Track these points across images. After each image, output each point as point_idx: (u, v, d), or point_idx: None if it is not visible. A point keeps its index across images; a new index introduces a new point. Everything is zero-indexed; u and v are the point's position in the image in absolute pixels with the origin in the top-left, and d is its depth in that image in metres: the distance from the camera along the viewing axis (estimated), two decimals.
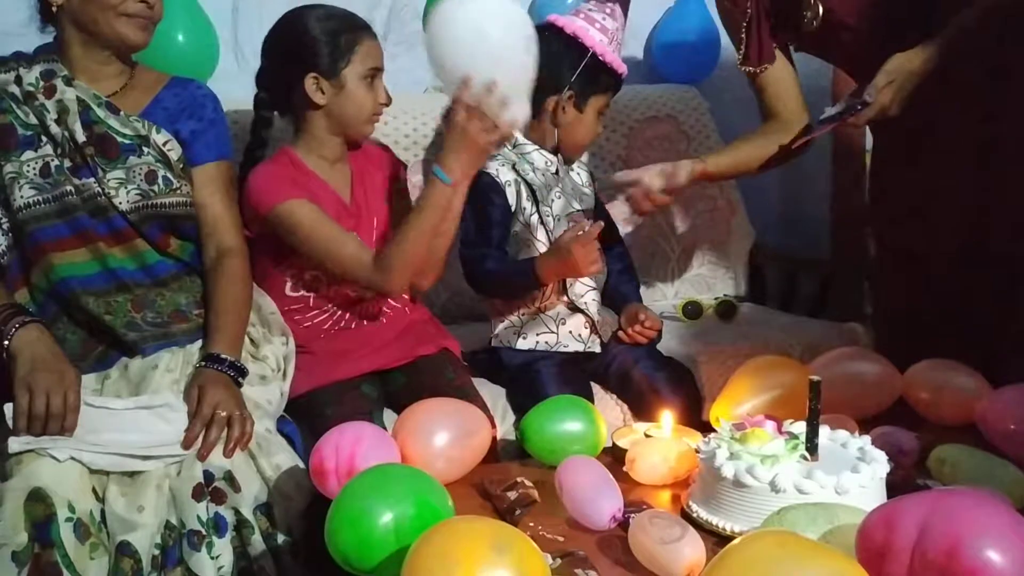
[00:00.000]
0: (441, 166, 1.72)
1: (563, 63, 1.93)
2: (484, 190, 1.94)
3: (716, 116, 2.68)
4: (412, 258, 1.76)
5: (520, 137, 1.98)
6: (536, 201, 1.94)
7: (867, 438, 1.41)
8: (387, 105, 1.85)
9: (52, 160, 1.61)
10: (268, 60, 1.88)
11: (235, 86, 2.33)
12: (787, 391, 1.62)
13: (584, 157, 2.20)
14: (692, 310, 2.33)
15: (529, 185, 1.94)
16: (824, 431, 1.37)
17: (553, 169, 2.00)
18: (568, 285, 1.95)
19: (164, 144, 1.67)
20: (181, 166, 1.69)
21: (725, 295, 2.43)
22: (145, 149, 1.66)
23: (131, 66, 1.72)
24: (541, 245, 1.94)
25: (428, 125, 2.39)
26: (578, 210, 2.00)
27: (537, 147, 2.00)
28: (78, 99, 1.63)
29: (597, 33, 1.93)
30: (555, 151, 2.01)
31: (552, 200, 1.96)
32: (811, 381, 1.34)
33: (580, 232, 1.80)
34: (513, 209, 1.94)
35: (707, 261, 2.58)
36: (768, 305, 2.57)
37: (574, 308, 1.97)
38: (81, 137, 1.61)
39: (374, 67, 1.82)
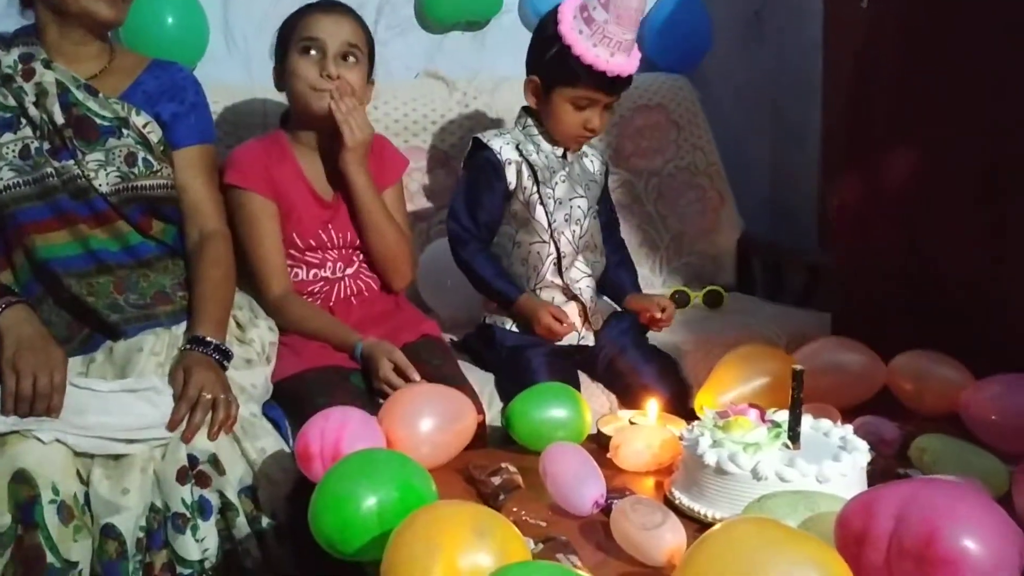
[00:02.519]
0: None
1: (543, 45, 1.91)
2: (484, 167, 1.93)
3: (706, 106, 2.68)
4: (300, 333, 1.81)
5: (529, 118, 1.98)
6: (537, 182, 1.93)
7: (849, 427, 1.42)
8: (331, 77, 1.80)
9: (32, 142, 1.61)
10: None
11: (225, 69, 2.33)
12: (771, 380, 1.63)
13: (598, 145, 2.19)
14: (680, 299, 2.34)
15: (531, 165, 1.93)
16: (807, 420, 1.38)
17: (559, 152, 1.99)
18: (564, 269, 1.95)
19: (144, 126, 1.66)
20: (162, 149, 1.68)
21: (712, 284, 2.43)
22: (125, 131, 1.65)
23: (110, 48, 1.72)
24: (540, 226, 1.94)
25: (418, 111, 2.38)
26: (581, 195, 1.99)
27: (543, 129, 1.98)
28: (57, 81, 1.62)
29: (578, 22, 1.85)
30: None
31: (555, 183, 1.95)
32: (794, 370, 1.35)
33: (556, 320, 1.86)
34: (513, 188, 1.93)
35: (695, 251, 2.58)
36: (755, 295, 2.57)
37: (569, 294, 1.97)
38: (60, 119, 1.61)
39: (306, 37, 1.81)
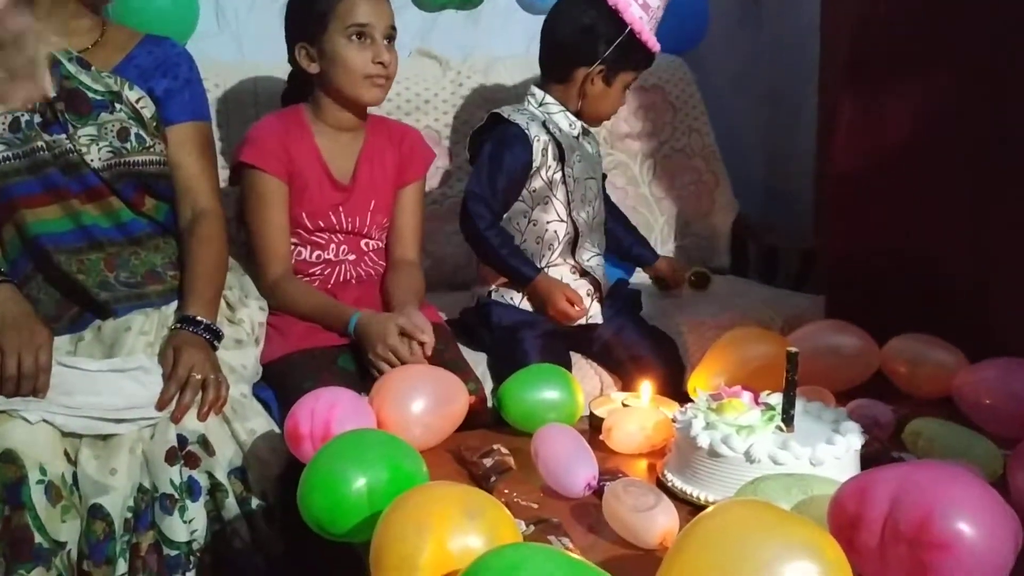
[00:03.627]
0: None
1: (599, 35, 1.91)
2: (510, 141, 1.90)
3: (702, 87, 2.66)
4: (295, 314, 1.79)
5: (547, 96, 1.97)
6: (562, 160, 1.92)
7: (843, 410, 1.42)
8: (383, 65, 1.80)
9: (22, 116, 1.58)
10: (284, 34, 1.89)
11: (215, 47, 2.31)
12: (765, 362, 1.61)
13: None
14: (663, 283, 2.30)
15: (558, 143, 1.92)
16: (800, 403, 1.37)
17: (575, 132, 1.99)
18: (577, 247, 1.94)
19: (137, 101, 1.64)
20: (155, 124, 1.66)
21: (699, 266, 2.40)
22: (117, 106, 1.62)
23: (103, 22, 1.69)
24: (559, 204, 1.93)
25: (411, 90, 2.35)
26: (592, 176, 2.01)
27: (562, 108, 1.97)
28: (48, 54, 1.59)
29: (638, 9, 1.90)
30: (577, 115, 1.99)
31: (574, 162, 1.94)
32: (788, 352, 1.33)
33: (566, 307, 1.87)
34: (536, 165, 1.91)
35: (690, 233, 2.56)
36: (750, 278, 2.56)
37: (579, 271, 1.96)
38: (51, 92, 1.58)
39: (356, 23, 1.78)
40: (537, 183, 1.92)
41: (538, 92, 1.98)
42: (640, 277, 2.39)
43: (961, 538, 0.94)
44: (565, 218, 1.94)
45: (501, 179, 1.89)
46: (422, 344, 1.67)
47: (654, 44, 1.95)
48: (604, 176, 2.12)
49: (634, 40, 1.91)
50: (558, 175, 1.92)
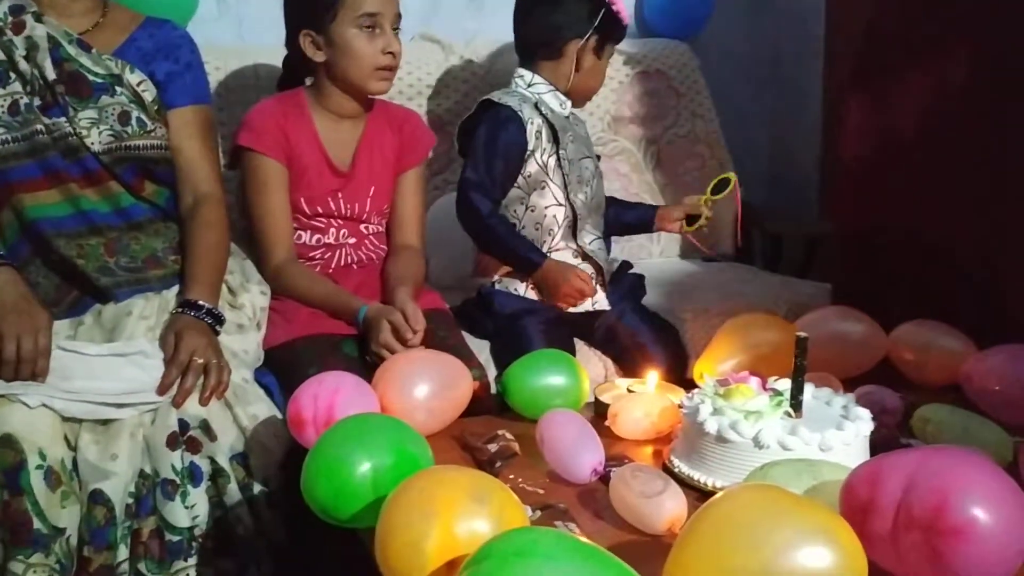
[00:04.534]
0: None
1: (581, 10, 1.90)
2: (503, 122, 1.88)
3: (706, 73, 2.64)
4: (299, 300, 1.77)
5: (535, 77, 1.94)
6: (556, 143, 1.90)
7: (851, 396, 1.41)
8: (392, 55, 1.78)
9: (21, 98, 1.56)
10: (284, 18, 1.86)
11: (216, 30, 2.29)
12: (772, 348, 1.61)
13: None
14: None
15: (551, 125, 1.90)
16: (809, 388, 1.36)
17: (566, 112, 1.97)
18: (577, 232, 1.92)
19: (138, 84, 1.62)
20: (156, 108, 1.64)
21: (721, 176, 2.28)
22: (118, 89, 1.60)
23: (103, 3, 1.67)
24: (556, 188, 1.91)
25: (413, 74, 2.33)
26: (587, 155, 1.98)
27: (552, 88, 1.95)
28: (48, 36, 1.57)
29: None
30: (566, 95, 1.97)
31: (567, 143, 1.92)
32: (798, 338, 1.32)
33: (582, 285, 1.86)
34: (531, 148, 1.89)
35: None
36: (754, 265, 2.54)
37: (582, 256, 1.94)
38: (51, 74, 1.56)
39: (367, 13, 1.75)
40: (532, 168, 1.90)
41: (526, 74, 1.95)
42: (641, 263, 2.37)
43: (977, 524, 0.93)
44: (563, 201, 1.92)
45: (498, 163, 1.86)
46: (407, 340, 1.65)
47: (626, 15, 1.97)
48: (598, 157, 2.09)
49: (611, 12, 1.92)
50: (552, 158, 1.90)
